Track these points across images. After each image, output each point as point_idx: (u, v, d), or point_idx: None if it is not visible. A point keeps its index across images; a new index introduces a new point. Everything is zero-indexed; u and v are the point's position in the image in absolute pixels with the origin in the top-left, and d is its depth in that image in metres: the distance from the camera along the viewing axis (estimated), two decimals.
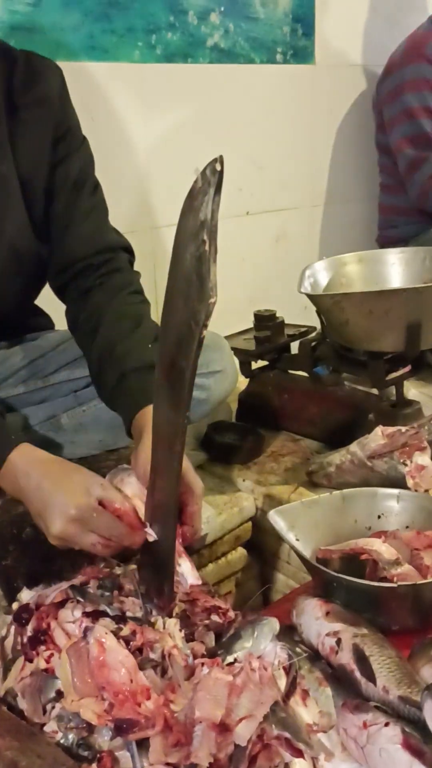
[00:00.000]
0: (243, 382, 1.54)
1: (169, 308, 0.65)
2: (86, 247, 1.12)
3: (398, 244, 2.04)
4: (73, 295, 1.14)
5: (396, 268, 1.47)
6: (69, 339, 1.21)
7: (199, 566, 1.23)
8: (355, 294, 1.32)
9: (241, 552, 1.31)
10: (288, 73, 2.08)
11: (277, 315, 1.52)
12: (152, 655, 0.76)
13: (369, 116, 2.26)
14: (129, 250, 1.19)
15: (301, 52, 2.10)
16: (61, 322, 1.41)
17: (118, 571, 0.94)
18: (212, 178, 0.56)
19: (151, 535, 0.86)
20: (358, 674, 0.76)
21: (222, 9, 1.86)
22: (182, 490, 0.86)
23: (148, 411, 0.90)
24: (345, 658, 0.78)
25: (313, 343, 1.45)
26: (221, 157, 0.55)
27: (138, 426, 0.95)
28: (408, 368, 1.36)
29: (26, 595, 0.90)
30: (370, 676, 0.74)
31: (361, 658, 0.76)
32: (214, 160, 0.55)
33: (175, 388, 0.66)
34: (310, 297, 1.35)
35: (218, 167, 0.55)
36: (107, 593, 0.85)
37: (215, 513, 1.24)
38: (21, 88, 1.07)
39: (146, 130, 1.79)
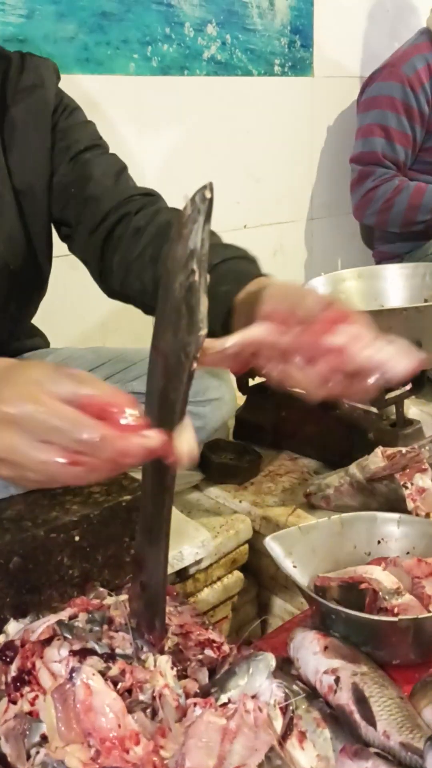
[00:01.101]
0: (240, 399, 1.51)
1: (158, 339, 0.62)
2: (115, 196, 1.03)
3: (394, 259, 2.02)
4: (120, 242, 1.01)
5: (395, 284, 1.44)
6: (64, 359, 1.17)
7: (194, 591, 1.20)
8: None
9: (237, 576, 1.28)
10: (286, 85, 2.07)
11: None
12: (142, 696, 0.73)
13: None
14: (160, 197, 1.09)
15: (299, 64, 2.08)
16: (56, 341, 1.38)
17: (109, 601, 0.90)
18: (201, 205, 0.52)
19: (153, 438, 0.55)
20: (357, 716, 0.72)
21: (219, 20, 1.84)
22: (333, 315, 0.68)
23: (258, 282, 0.76)
24: (344, 698, 0.75)
25: None
26: (211, 183, 0.52)
27: (248, 297, 0.76)
28: (408, 387, 1.33)
29: (13, 628, 0.86)
30: (370, 720, 0.71)
31: (361, 700, 0.73)
32: (204, 187, 0.52)
33: (166, 421, 0.63)
34: None
35: (208, 194, 0.52)
36: (96, 628, 0.82)
37: (211, 536, 1.21)
38: (15, 89, 1.04)
39: (142, 143, 1.77)
